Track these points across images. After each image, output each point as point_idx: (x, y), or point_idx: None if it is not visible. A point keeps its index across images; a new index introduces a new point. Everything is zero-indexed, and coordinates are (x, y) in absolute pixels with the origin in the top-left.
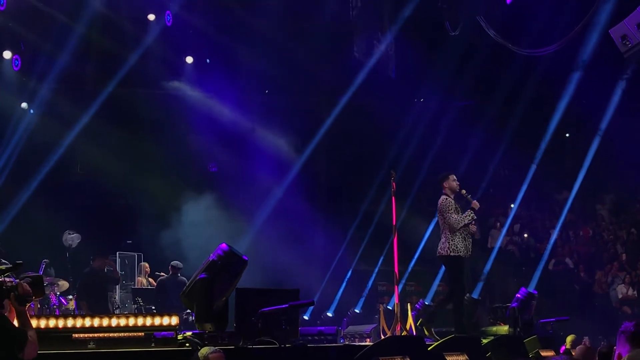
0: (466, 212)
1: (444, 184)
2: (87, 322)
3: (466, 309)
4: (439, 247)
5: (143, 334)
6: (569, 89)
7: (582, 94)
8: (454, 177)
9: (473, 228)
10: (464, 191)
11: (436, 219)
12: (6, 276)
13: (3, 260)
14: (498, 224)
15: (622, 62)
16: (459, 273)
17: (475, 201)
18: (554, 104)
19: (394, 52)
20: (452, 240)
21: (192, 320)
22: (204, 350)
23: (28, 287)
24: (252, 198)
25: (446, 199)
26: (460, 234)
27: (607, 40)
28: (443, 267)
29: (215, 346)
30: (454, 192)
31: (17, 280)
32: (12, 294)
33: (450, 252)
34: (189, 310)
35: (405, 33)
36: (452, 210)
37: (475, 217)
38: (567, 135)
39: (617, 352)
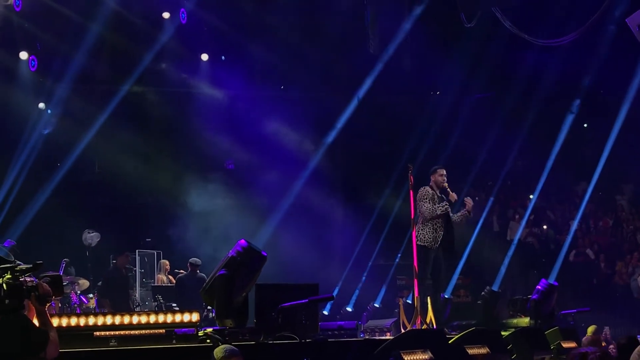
0: (442, 203)
1: (431, 177)
2: (109, 320)
3: (486, 301)
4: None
5: (164, 331)
6: (587, 78)
7: (601, 83)
8: (443, 172)
9: (453, 196)
10: (445, 184)
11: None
12: (27, 276)
13: (18, 262)
14: (517, 216)
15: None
16: (423, 262)
17: (453, 193)
18: (572, 94)
19: (409, 46)
20: (422, 229)
21: (213, 317)
22: (218, 353)
23: (48, 287)
24: (270, 194)
25: (425, 188)
26: (432, 225)
27: (625, 29)
28: (463, 260)
29: (235, 342)
30: (439, 186)
31: (37, 279)
32: (32, 294)
33: (418, 240)
34: (209, 307)
35: (420, 26)
36: (428, 200)
37: (449, 209)
38: (585, 125)
39: None
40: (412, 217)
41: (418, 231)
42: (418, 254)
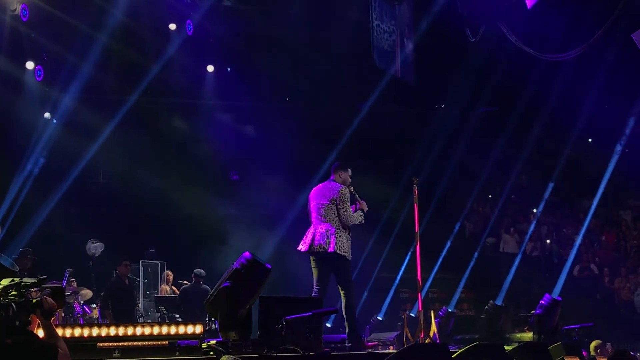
0: (359, 213)
1: (340, 174)
2: (112, 331)
3: (490, 316)
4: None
5: (167, 342)
6: (592, 93)
7: (606, 98)
8: (350, 171)
9: (364, 205)
10: (352, 188)
11: (459, 224)
12: (33, 289)
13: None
14: (512, 229)
15: None
16: (350, 277)
17: (363, 202)
18: (577, 109)
19: (414, 59)
20: (340, 236)
21: (216, 329)
22: None
23: (52, 301)
24: (274, 206)
25: (346, 188)
26: (347, 233)
27: (630, 44)
28: (467, 274)
29: (239, 354)
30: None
31: (39, 289)
32: (38, 309)
33: (337, 249)
34: (212, 319)
35: (425, 40)
36: (349, 204)
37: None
38: (590, 140)
39: None
40: (417, 230)
41: (336, 237)
42: (341, 265)
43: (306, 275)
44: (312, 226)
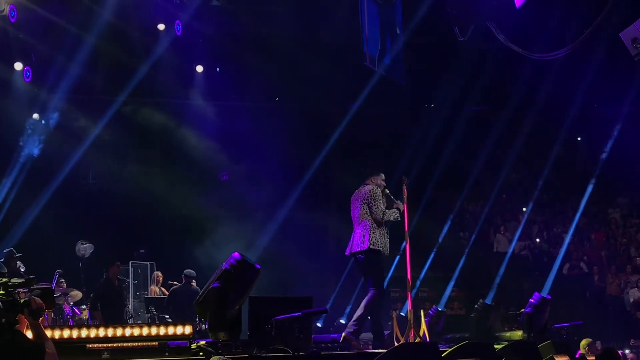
0: (393, 210)
1: (372, 180)
2: (101, 332)
3: (480, 314)
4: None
5: (157, 343)
6: (581, 92)
7: (595, 97)
8: (384, 176)
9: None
10: (387, 190)
11: (449, 223)
12: (21, 289)
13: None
14: (502, 228)
15: (633, 65)
16: (381, 271)
17: (398, 202)
18: (566, 107)
19: (403, 59)
20: (373, 232)
21: (206, 329)
22: None
23: (41, 301)
24: (264, 206)
25: (378, 188)
26: (381, 231)
27: (619, 44)
28: (457, 273)
29: (228, 355)
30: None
31: (28, 290)
32: (25, 309)
33: (371, 244)
34: (202, 319)
35: (414, 39)
36: (381, 201)
37: (398, 218)
38: (579, 138)
39: None
40: (407, 229)
41: (370, 234)
42: (373, 260)
43: (296, 276)
44: (353, 230)
